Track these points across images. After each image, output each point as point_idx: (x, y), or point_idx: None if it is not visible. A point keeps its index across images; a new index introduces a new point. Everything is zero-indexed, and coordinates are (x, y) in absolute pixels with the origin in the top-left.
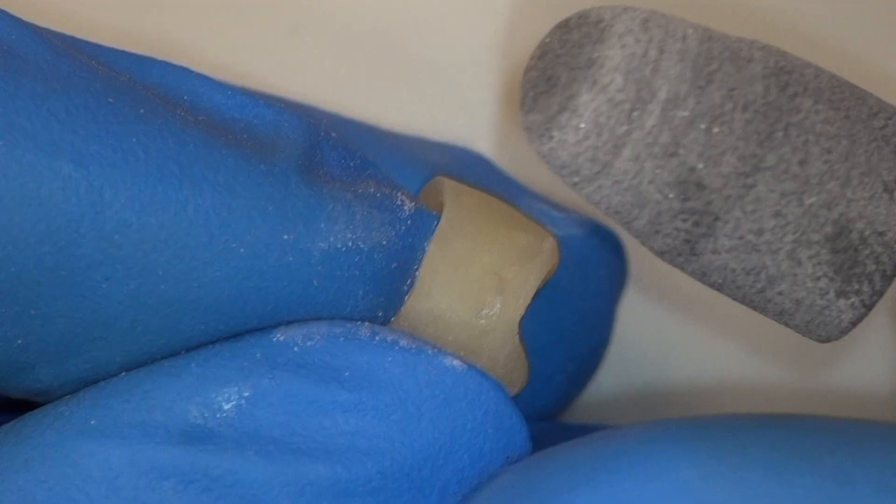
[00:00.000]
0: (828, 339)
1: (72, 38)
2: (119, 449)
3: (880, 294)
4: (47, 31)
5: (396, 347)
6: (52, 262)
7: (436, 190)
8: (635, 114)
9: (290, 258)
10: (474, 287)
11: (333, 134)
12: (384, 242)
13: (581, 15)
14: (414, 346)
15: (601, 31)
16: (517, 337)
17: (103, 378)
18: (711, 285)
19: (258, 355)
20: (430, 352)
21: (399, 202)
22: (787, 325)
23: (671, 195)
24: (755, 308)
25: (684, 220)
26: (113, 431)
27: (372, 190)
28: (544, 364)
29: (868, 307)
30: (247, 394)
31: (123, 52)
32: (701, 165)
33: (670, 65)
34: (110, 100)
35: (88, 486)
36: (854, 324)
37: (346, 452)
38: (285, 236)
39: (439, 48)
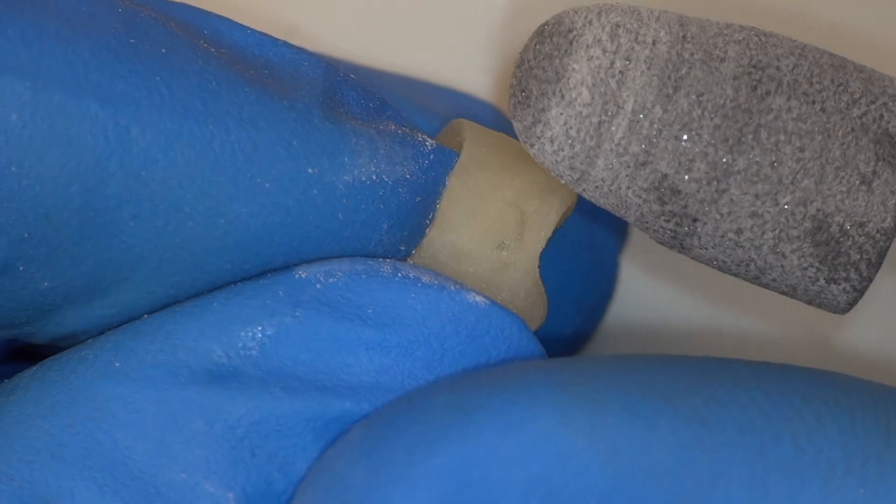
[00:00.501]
0: (837, 313)
1: None
2: (144, 391)
3: (869, 279)
4: None
5: (419, 284)
6: (81, 201)
7: (453, 132)
8: (604, 126)
9: (315, 192)
10: (496, 220)
11: (352, 76)
12: (408, 176)
13: (555, 22)
14: (436, 283)
15: (570, 43)
16: (537, 271)
17: (128, 321)
18: (712, 268)
19: (280, 293)
20: (452, 288)
21: (420, 139)
22: (794, 299)
23: (650, 199)
24: (759, 286)
25: (667, 221)
26: (138, 373)
27: (392, 128)
28: (553, 316)
29: (860, 291)
30: (270, 332)
31: None
32: (672, 172)
33: (637, 75)
34: (132, 40)
35: (115, 429)
36: (851, 304)
37: (371, 390)
38: (310, 170)
39: (436, 55)
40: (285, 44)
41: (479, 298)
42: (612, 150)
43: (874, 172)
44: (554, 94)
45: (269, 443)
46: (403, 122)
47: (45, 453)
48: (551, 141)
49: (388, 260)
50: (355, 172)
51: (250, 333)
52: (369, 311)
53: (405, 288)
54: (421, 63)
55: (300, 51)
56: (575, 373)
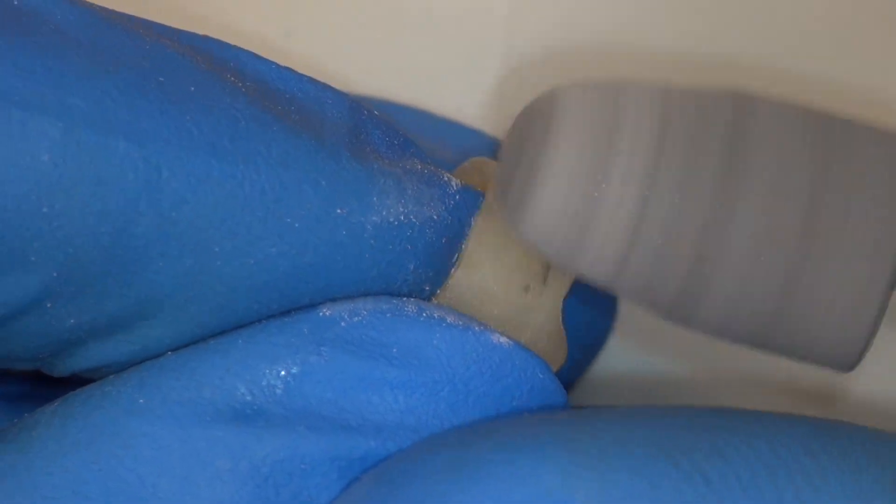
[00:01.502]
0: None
1: (114, 11)
2: (169, 428)
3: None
4: (91, 4)
5: (444, 324)
6: (109, 241)
7: (474, 170)
8: (584, 224)
9: (344, 232)
10: (521, 263)
11: (376, 112)
12: (435, 217)
13: (531, 109)
14: (461, 324)
15: (545, 133)
16: (560, 315)
17: (152, 357)
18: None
19: (305, 331)
20: (476, 329)
21: (445, 179)
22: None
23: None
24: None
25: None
26: (163, 410)
27: (419, 167)
28: None
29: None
30: (295, 370)
31: (169, 28)
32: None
33: (615, 185)
34: (160, 78)
35: (140, 466)
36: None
37: (396, 429)
38: (338, 210)
39: (437, 51)
40: (309, 79)
41: (502, 339)
42: (595, 248)
43: None
44: (534, 185)
45: (294, 481)
46: (427, 160)
47: (66, 490)
48: (538, 229)
49: (412, 299)
50: (383, 213)
51: (275, 372)
52: (394, 350)
53: (430, 328)
54: (414, 91)
55: (324, 87)
56: (580, 429)
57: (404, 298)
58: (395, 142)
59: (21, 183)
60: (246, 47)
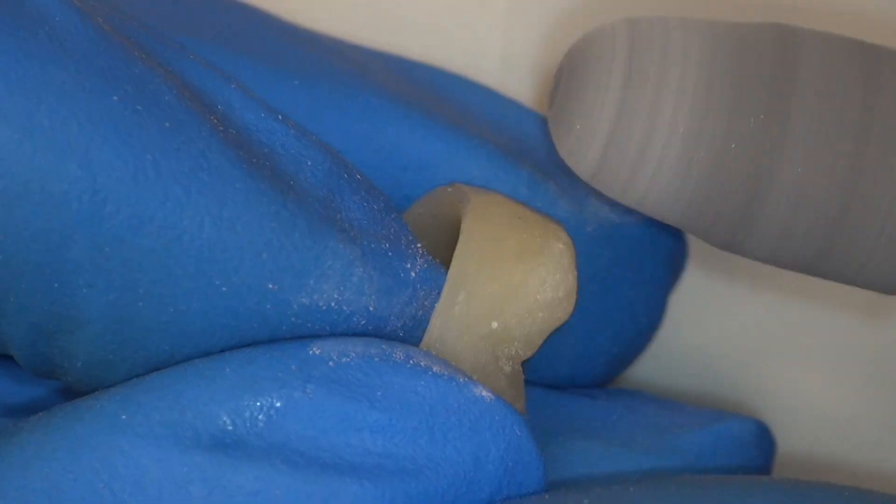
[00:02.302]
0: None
1: (126, 17)
2: (148, 448)
3: None
4: (101, 5)
5: (429, 373)
6: (40, 259)
7: (446, 199)
8: (637, 156)
9: (268, 306)
10: (478, 356)
11: (359, 175)
12: (370, 308)
13: (580, 45)
14: (446, 373)
15: (596, 67)
16: (521, 371)
17: (68, 360)
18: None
19: (293, 367)
20: (460, 380)
21: (409, 262)
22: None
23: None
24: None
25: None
26: (144, 429)
27: (386, 245)
28: (584, 346)
29: None
30: (278, 404)
31: (172, 42)
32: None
33: (665, 117)
34: (138, 107)
35: (114, 481)
36: None
37: (372, 471)
38: (270, 285)
39: (435, 52)
40: (296, 135)
41: (485, 393)
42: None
43: None
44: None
45: None
46: (403, 229)
47: (42, 497)
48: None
49: (402, 345)
50: (315, 296)
51: (259, 404)
52: (378, 393)
53: (415, 375)
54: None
55: (308, 145)
56: None
57: (394, 343)
58: (374, 207)
59: None
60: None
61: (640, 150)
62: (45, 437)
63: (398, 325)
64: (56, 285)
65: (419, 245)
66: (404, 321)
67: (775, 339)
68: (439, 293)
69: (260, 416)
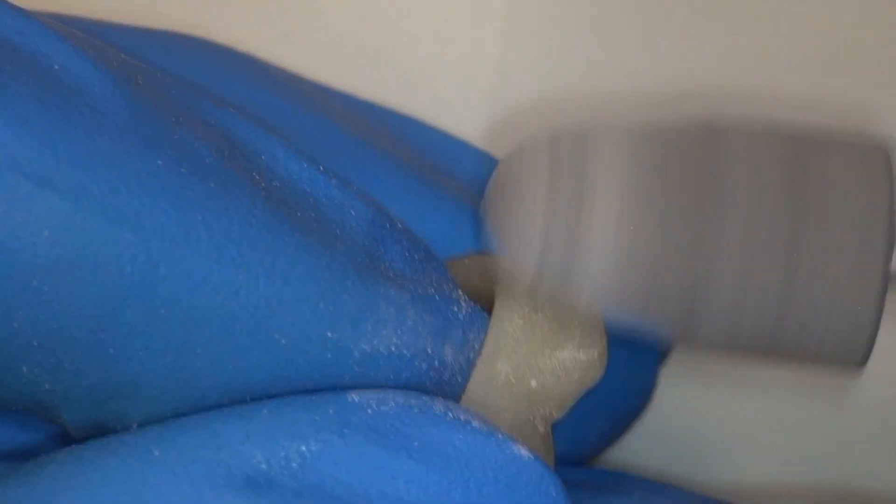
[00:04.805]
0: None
1: (162, 73)
2: (180, 484)
3: None
4: (133, 67)
5: (468, 427)
6: (95, 324)
7: (471, 268)
8: (572, 265)
9: (329, 355)
10: (519, 410)
11: (399, 225)
12: (428, 350)
13: (506, 165)
14: (485, 429)
15: (521, 187)
16: (550, 434)
17: (122, 423)
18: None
19: (331, 411)
20: (500, 436)
21: (455, 305)
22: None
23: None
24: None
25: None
26: (177, 465)
27: (431, 290)
28: (580, 426)
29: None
30: (314, 448)
31: (212, 96)
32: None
33: (596, 225)
34: (182, 170)
35: None
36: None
37: None
38: (329, 334)
39: (431, 53)
40: (338, 184)
41: (524, 451)
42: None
43: None
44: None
45: None
46: (445, 276)
47: None
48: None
49: (442, 399)
50: (375, 342)
51: (294, 446)
52: (415, 444)
53: (454, 428)
54: (410, 94)
55: (351, 195)
56: None
57: (435, 397)
58: (416, 256)
59: (16, 254)
60: (245, 50)
61: (573, 267)
62: (76, 468)
63: (456, 370)
64: (111, 350)
65: (460, 291)
66: (460, 365)
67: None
68: (486, 336)
69: (295, 458)
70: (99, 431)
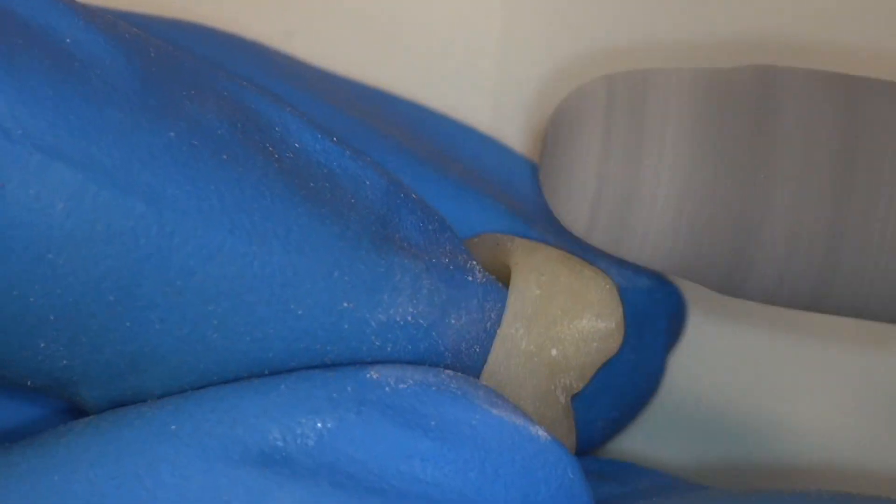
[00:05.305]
0: None
1: (175, 47)
2: (195, 459)
3: None
4: (144, 40)
5: (485, 406)
6: (112, 297)
7: (482, 248)
8: (625, 210)
9: (346, 325)
10: (550, 360)
11: (414, 195)
12: (446, 319)
13: (563, 107)
14: (503, 408)
15: (579, 128)
16: (571, 411)
17: (142, 398)
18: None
19: (349, 388)
20: (517, 416)
21: (470, 276)
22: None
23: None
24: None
25: None
26: (192, 439)
27: (446, 260)
28: (587, 410)
29: None
30: (331, 425)
31: (223, 69)
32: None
33: (650, 169)
34: (195, 142)
35: (159, 490)
36: None
37: (418, 499)
38: (345, 304)
39: (436, 50)
40: (352, 156)
41: (541, 432)
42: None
43: None
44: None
45: None
46: (459, 247)
47: (83, 500)
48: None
49: (460, 375)
50: (391, 311)
51: (311, 422)
52: (432, 423)
53: (472, 408)
54: (414, 91)
55: (365, 165)
56: None
57: (451, 373)
58: (430, 227)
59: (30, 227)
60: (247, 36)
61: (627, 206)
62: (92, 440)
63: (473, 338)
64: (128, 323)
65: (475, 262)
66: (477, 333)
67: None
68: (503, 307)
69: (311, 435)
70: (118, 406)
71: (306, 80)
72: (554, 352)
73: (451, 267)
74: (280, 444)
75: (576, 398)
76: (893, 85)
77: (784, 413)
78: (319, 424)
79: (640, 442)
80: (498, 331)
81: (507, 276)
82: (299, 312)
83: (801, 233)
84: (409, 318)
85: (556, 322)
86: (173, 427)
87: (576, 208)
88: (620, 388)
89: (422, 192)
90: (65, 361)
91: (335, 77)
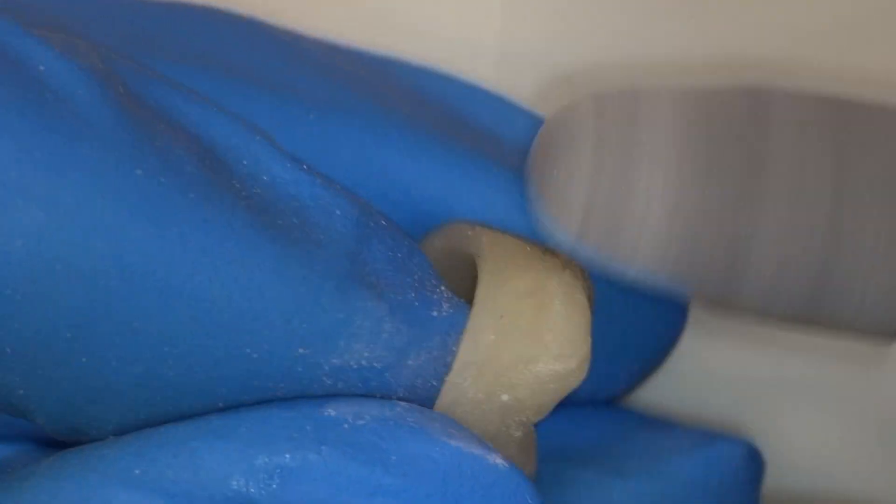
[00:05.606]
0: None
1: (142, 69)
2: None
3: None
4: (118, 68)
5: (444, 438)
6: (69, 334)
7: (452, 237)
8: (618, 222)
9: (300, 369)
10: (490, 423)
11: (384, 222)
12: (401, 362)
13: (553, 122)
14: (462, 440)
15: (571, 143)
16: (533, 435)
17: (97, 431)
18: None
19: (308, 428)
20: (475, 446)
21: (436, 309)
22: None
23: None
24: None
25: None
26: (157, 486)
27: (412, 295)
28: (611, 363)
29: None
30: (292, 465)
31: (195, 95)
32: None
33: (643, 183)
34: (162, 179)
35: None
36: None
37: None
38: (301, 350)
39: (435, 53)
40: (324, 184)
41: (499, 461)
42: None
43: None
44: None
45: None
46: (429, 273)
47: None
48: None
49: (416, 407)
50: (345, 356)
51: (272, 463)
52: (393, 458)
53: (431, 440)
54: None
55: (336, 194)
56: None
57: (406, 405)
58: (399, 254)
59: None
60: (242, 10)
61: (618, 223)
62: (56, 484)
63: (430, 374)
64: (84, 360)
65: (443, 288)
66: (436, 369)
67: (777, 376)
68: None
69: (273, 477)
70: (75, 433)
71: (308, 51)
72: (505, 397)
73: (417, 303)
74: (243, 489)
75: (597, 354)
76: (883, 107)
77: (773, 434)
78: (281, 466)
79: (656, 394)
80: (447, 377)
81: (474, 268)
82: (255, 356)
83: (793, 252)
84: (364, 363)
85: (508, 368)
86: (137, 472)
87: (566, 224)
88: (642, 339)
89: (431, 167)
90: (21, 391)
91: (340, 47)
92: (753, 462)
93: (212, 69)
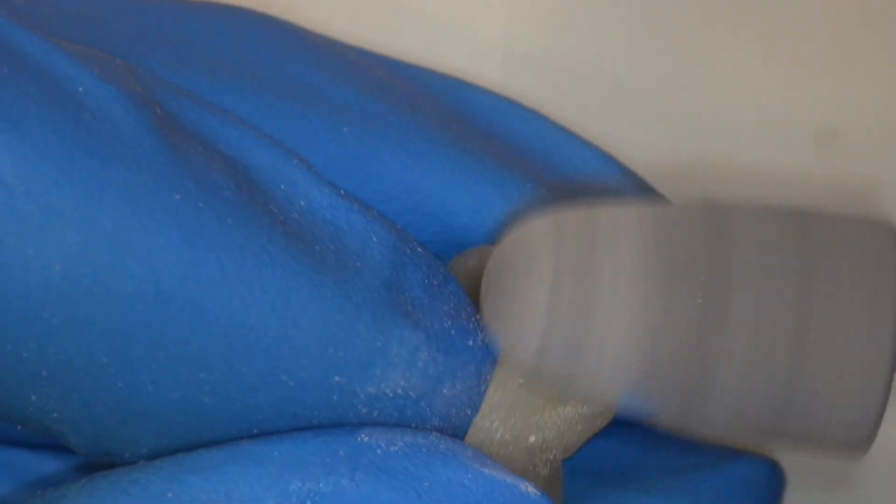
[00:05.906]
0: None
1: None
2: None
3: None
4: (156, 91)
5: (475, 466)
6: (105, 359)
7: (472, 260)
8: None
9: (336, 397)
10: (535, 418)
11: (420, 249)
12: (436, 391)
13: (508, 246)
14: (493, 469)
15: (527, 269)
16: (560, 465)
17: (130, 455)
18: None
19: (341, 453)
20: (506, 475)
21: (471, 338)
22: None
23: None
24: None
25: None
26: None
27: (448, 323)
28: None
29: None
30: (325, 490)
31: (234, 118)
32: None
33: (603, 310)
34: (200, 204)
35: None
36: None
37: None
38: (337, 378)
39: (439, 50)
40: (360, 210)
41: (531, 489)
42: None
43: None
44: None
45: None
46: (463, 301)
47: None
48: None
49: (448, 438)
50: (381, 385)
51: (305, 488)
52: (426, 484)
53: (462, 468)
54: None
55: (372, 220)
56: None
57: (438, 435)
58: (435, 282)
59: (28, 286)
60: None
61: (577, 351)
62: None
63: (464, 403)
64: (120, 384)
65: (477, 317)
66: (470, 398)
67: None
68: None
69: (306, 502)
70: (107, 456)
71: (342, 59)
72: (532, 438)
73: (453, 331)
74: None
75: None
76: (844, 216)
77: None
78: (314, 491)
79: None
80: (474, 419)
81: None
82: (291, 384)
83: (759, 364)
84: (400, 391)
85: (536, 410)
86: (170, 495)
87: (523, 350)
88: None
89: (459, 177)
90: (55, 414)
91: (373, 55)
92: (775, 478)
93: (243, 83)
